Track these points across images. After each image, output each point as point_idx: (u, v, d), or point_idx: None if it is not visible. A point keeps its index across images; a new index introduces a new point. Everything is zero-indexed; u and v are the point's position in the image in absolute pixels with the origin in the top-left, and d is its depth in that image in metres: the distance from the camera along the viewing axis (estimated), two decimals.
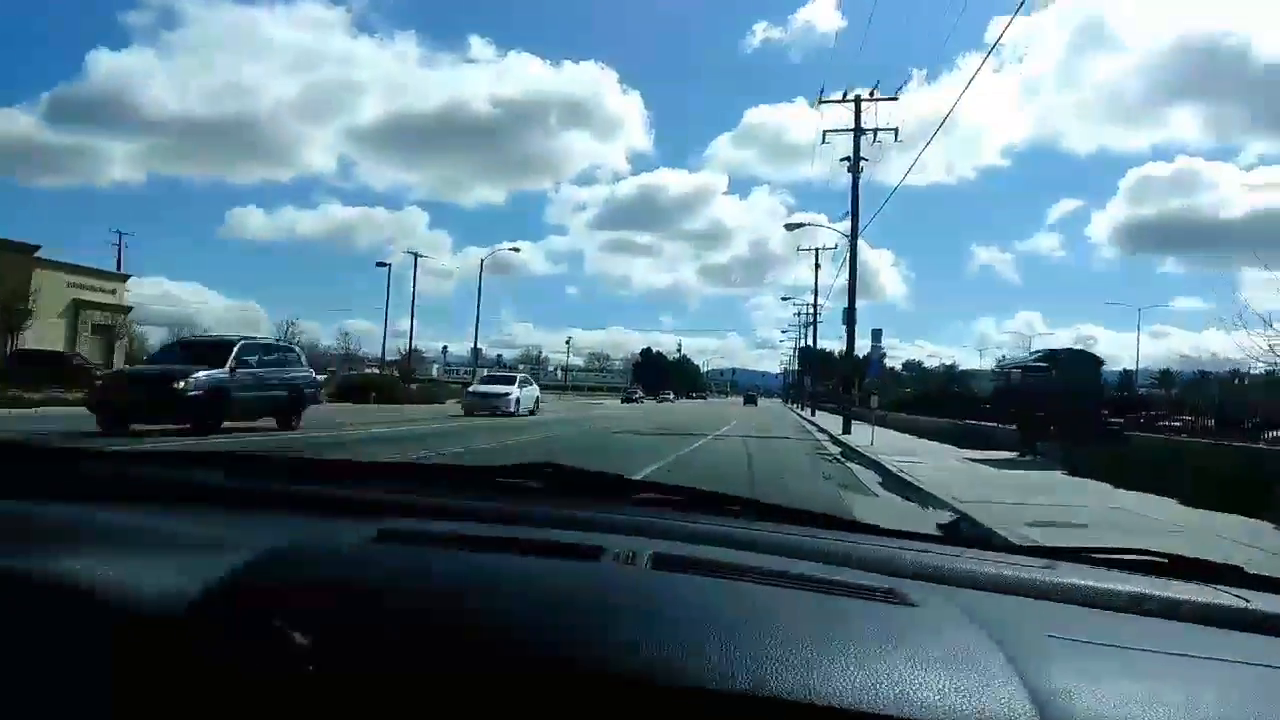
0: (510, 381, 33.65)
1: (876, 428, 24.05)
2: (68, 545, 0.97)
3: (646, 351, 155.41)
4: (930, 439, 24.67)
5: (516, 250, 57.11)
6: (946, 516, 2.94)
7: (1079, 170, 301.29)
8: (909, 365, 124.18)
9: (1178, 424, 17.61)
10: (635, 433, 23.79)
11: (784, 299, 51.79)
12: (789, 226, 39.14)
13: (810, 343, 78.83)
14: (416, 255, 55.21)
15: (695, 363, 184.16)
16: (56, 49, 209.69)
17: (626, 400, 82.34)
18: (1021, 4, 14.48)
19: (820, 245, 51.48)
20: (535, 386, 35.60)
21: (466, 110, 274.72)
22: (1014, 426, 18.07)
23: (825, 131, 29.74)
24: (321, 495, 1.39)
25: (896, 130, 29.05)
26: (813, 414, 54.64)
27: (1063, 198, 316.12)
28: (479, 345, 54.34)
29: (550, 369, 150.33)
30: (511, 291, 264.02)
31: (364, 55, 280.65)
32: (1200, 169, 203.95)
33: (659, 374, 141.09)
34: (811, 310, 63.98)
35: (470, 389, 34.17)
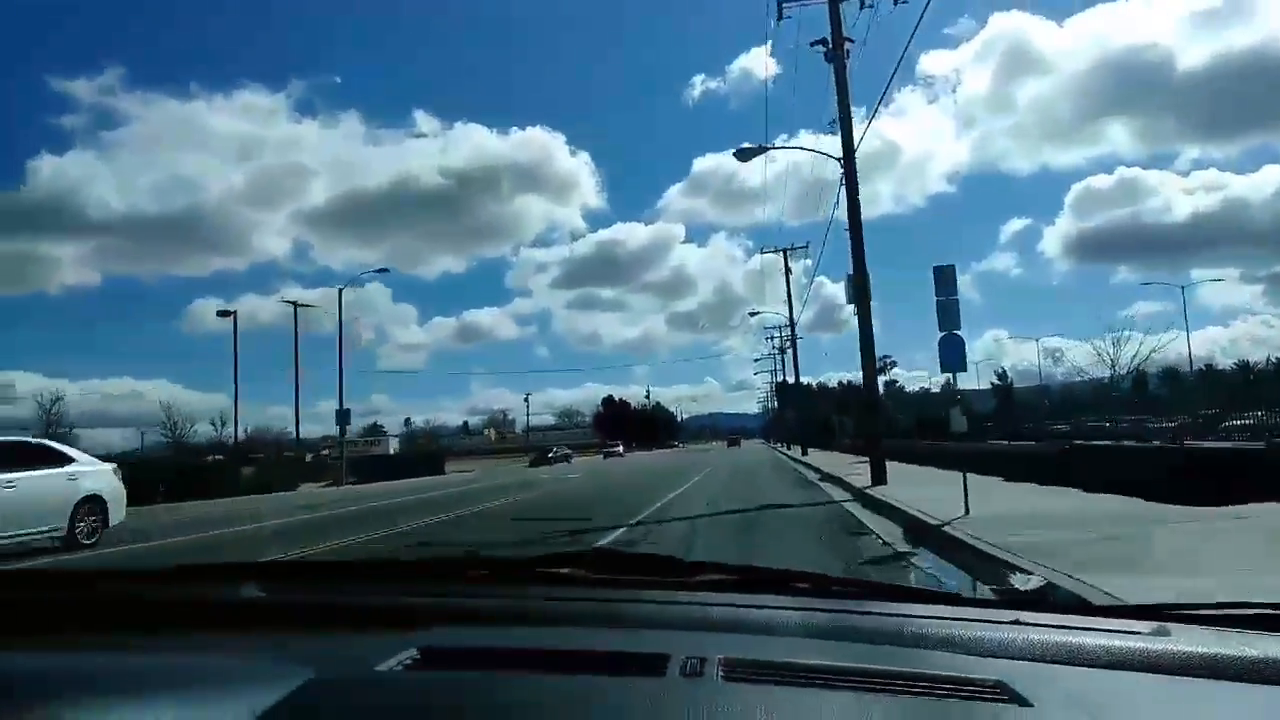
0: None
1: (936, 475, 14.29)
2: (84, 694, 0.87)
3: (609, 400, 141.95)
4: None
5: (385, 271, 48.06)
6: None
7: (1023, 190, 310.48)
8: (891, 391, 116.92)
9: None
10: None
11: (751, 314, 47.42)
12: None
13: (786, 376, 74.97)
14: (295, 304, 44.45)
15: (670, 410, 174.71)
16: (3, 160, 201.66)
17: (540, 463, 62.05)
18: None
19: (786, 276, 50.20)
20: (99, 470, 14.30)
21: (418, 183, 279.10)
22: None
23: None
24: (352, 605, 1.30)
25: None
26: (803, 453, 45.51)
27: (1012, 217, 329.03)
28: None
29: (518, 430, 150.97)
30: (479, 356, 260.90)
31: (308, 138, 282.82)
32: (1139, 178, 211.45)
33: (625, 424, 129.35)
34: (787, 338, 60.93)
35: None
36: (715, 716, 0.82)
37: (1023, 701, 0.86)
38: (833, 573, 4.65)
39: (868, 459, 16.93)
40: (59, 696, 0.86)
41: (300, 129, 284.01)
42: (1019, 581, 1.59)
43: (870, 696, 0.87)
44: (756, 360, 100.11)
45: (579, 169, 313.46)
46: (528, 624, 1.20)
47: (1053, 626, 1.14)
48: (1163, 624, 1.15)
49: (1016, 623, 1.16)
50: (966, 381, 13.42)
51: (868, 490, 15.48)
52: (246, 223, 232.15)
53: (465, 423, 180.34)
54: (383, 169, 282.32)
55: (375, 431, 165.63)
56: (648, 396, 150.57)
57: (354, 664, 1.01)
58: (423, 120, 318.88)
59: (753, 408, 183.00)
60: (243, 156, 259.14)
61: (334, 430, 41.98)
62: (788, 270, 42.91)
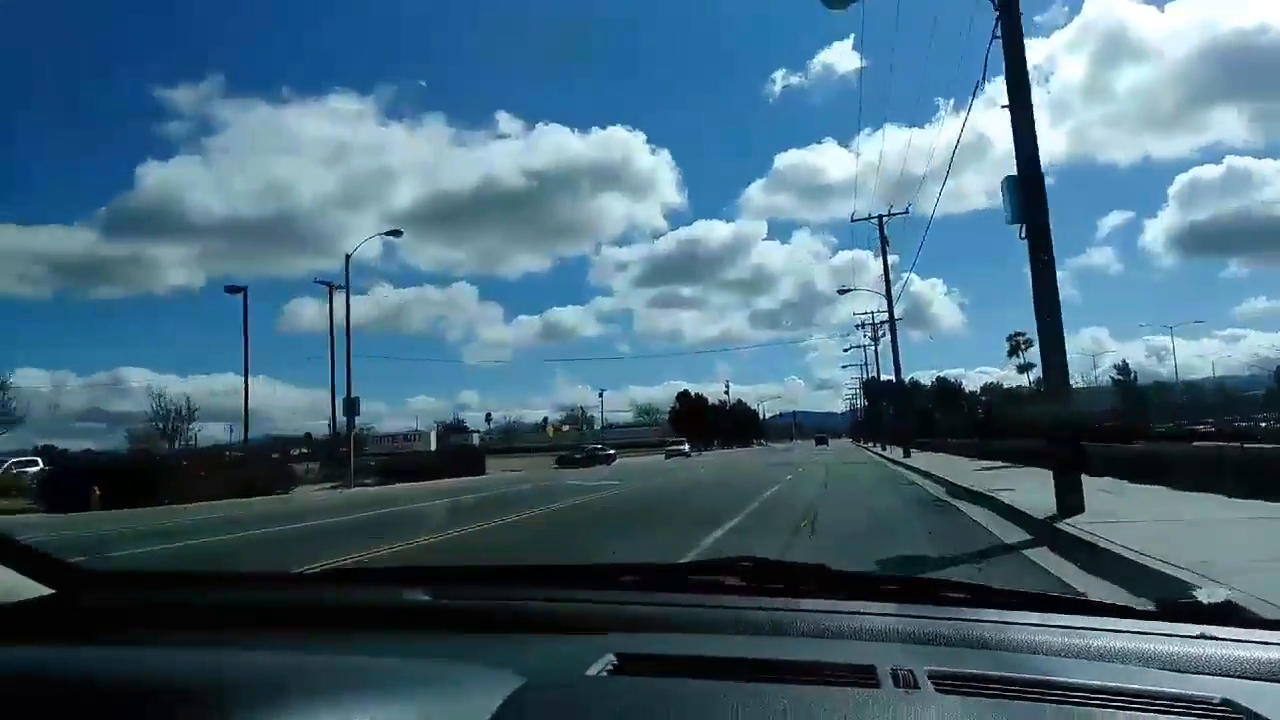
0: None
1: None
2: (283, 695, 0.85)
3: (684, 395, 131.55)
4: None
5: (398, 234, 39.38)
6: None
7: (1124, 182, 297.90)
8: (988, 389, 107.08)
9: None
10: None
11: (841, 291, 40.70)
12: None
13: (875, 373, 69.57)
14: (331, 286, 39.04)
15: (751, 407, 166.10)
16: (106, 164, 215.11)
17: (568, 464, 53.13)
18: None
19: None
20: None
21: (501, 184, 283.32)
22: None
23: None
24: (536, 611, 1.31)
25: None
26: (905, 454, 38.68)
27: (1111, 210, 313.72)
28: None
29: (596, 427, 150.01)
30: (562, 354, 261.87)
31: (396, 140, 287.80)
32: (1250, 167, 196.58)
33: (702, 421, 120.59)
34: (881, 323, 53.79)
35: None
36: None
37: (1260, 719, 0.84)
38: None
39: (995, 463, 10.99)
40: (278, 693, 0.85)
41: (388, 132, 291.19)
42: (1203, 595, 1.42)
43: (1101, 712, 0.84)
44: (846, 350, 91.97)
45: (659, 167, 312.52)
46: (707, 630, 1.21)
47: (1249, 641, 1.10)
48: None
49: (1204, 637, 1.12)
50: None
51: (1066, 526, 8.55)
52: (337, 224, 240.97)
53: (545, 419, 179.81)
54: (467, 170, 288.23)
55: (458, 426, 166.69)
56: (727, 392, 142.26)
57: (561, 668, 1.02)
58: (505, 122, 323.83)
59: (838, 406, 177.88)
60: (333, 160, 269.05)
61: (421, 427, 36.53)
62: (884, 241, 35.54)
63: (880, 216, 35.98)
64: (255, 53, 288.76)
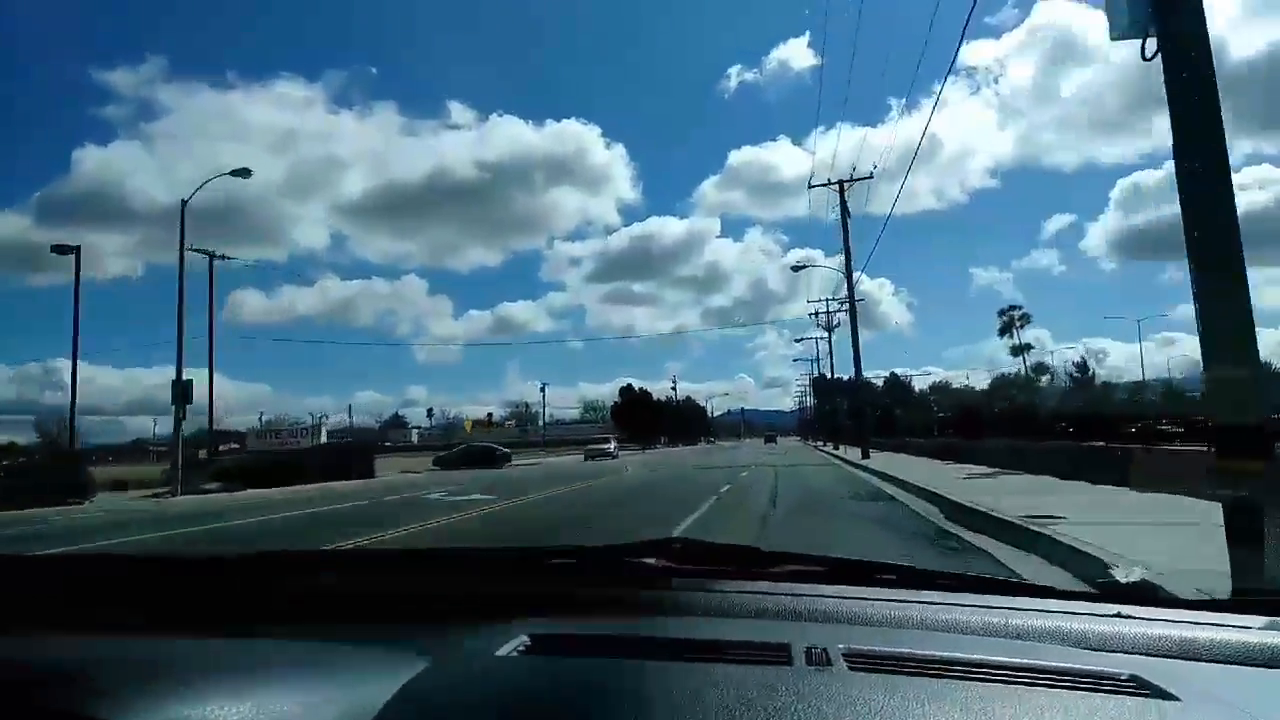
0: None
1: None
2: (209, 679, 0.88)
3: (627, 390, 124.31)
4: None
5: (246, 174, 29.88)
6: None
7: (1067, 185, 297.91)
8: (937, 388, 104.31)
9: None
10: None
11: (795, 268, 40.59)
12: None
13: (824, 371, 69.48)
14: (212, 255, 32.55)
15: (699, 404, 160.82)
16: (42, 148, 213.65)
17: (452, 464, 44.39)
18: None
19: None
20: None
21: (453, 175, 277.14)
22: None
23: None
24: (451, 595, 1.31)
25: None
26: (864, 455, 34.04)
27: (1055, 213, 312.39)
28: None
29: (540, 423, 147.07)
30: (513, 349, 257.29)
31: (346, 129, 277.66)
32: None
33: (647, 417, 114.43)
34: (836, 310, 51.80)
35: None
36: (850, 705, 0.81)
37: (1166, 695, 0.85)
38: None
39: (982, 468, 14.00)
40: (170, 681, 0.85)
41: (337, 120, 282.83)
42: (1119, 574, 1.47)
43: (1009, 689, 0.85)
44: (799, 341, 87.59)
45: (613, 161, 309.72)
46: (625, 612, 1.21)
47: (1161, 620, 1.13)
48: (1275, 618, 1.13)
49: (1119, 615, 1.15)
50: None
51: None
52: (284, 214, 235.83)
53: (489, 414, 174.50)
54: (419, 161, 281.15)
55: (397, 422, 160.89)
56: (674, 388, 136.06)
57: (469, 651, 1.02)
58: (458, 112, 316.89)
59: (786, 404, 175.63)
60: (281, 148, 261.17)
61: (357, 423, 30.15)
62: (845, 210, 30.53)
63: (842, 182, 30.96)
64: (199, 36, 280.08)
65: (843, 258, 33.61)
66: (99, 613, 1.30)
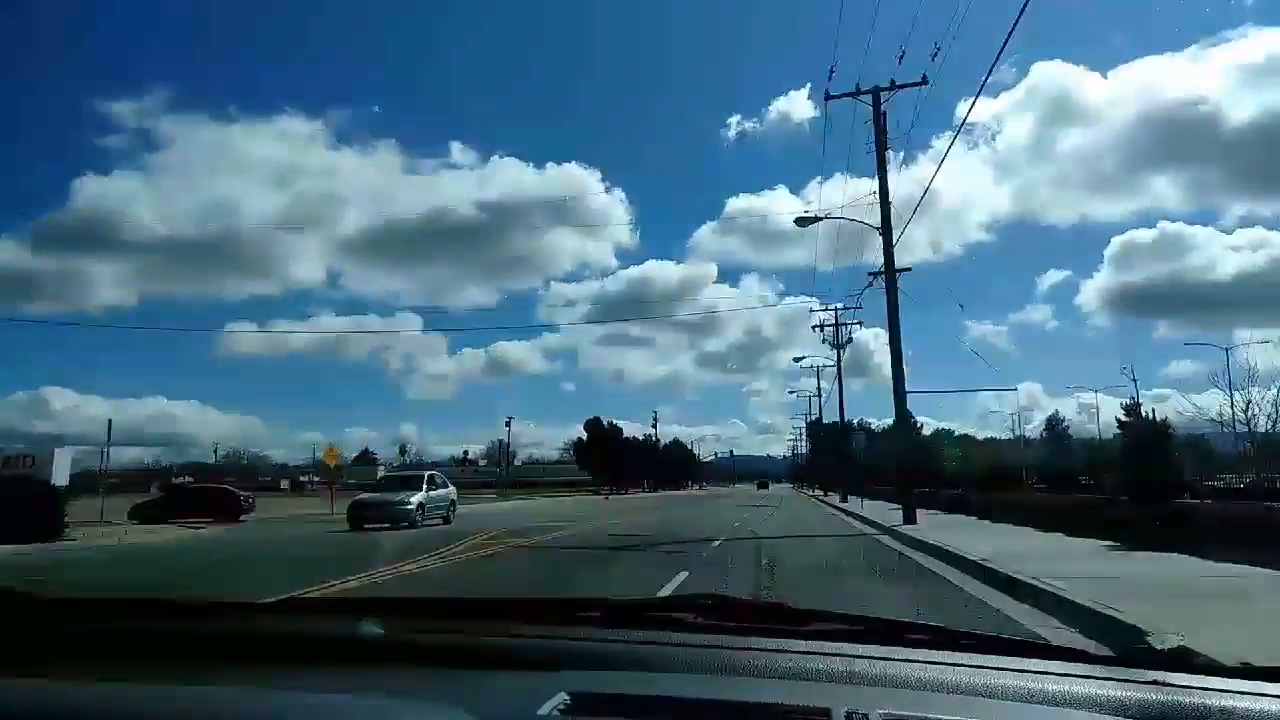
0: None
1: None
2: None
3: (595, 425, 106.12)
4: None
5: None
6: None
7: (1063, 241, 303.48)
8: (944, 435, 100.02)
9: None
10: None
11: (799, 221, 24.76)
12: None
13: (822, 417, 64.20)
14: None
15: (685, 445, 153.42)
16: (41, 176, 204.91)
17: (142, 514, 28.90)
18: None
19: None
20: None
21: (451, 215, 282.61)
22: None
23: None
24: (486, 646, 1.30)
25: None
26: (907, 518, 28.28)
27: (1050, 269, 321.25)
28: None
29: (518, 463, 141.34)
30: (508, 389, 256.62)
31: (346, 166, 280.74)
32: (1182, 233, 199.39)
33: (617, 456, 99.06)
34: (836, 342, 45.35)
35: None
36: None
37: None
38: None
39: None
40: None
41: (338, 156, 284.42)
42: (1156, 641, 1.42)
43: None
44: (798, 361, 79.62)
45: (612, 205, 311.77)
46: (661, 668, 1.20)
47: (1198, 689, 1.12)
48: None
49: (1156, 684, 1.13)
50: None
51: None
52: (281, 249, 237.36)
53: (465, 452, 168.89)
54: (417, 199, 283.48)
55: (367, 458, 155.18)
56: (654, 425, 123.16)
57: (509, 710, 1.03)
58: (458, 152, 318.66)
59: (777, 451, 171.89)
60: (280, 182, 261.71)
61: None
62: (881, 124, 22.31)
63: (877, 89, 22.37)
64: (201, 69, 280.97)
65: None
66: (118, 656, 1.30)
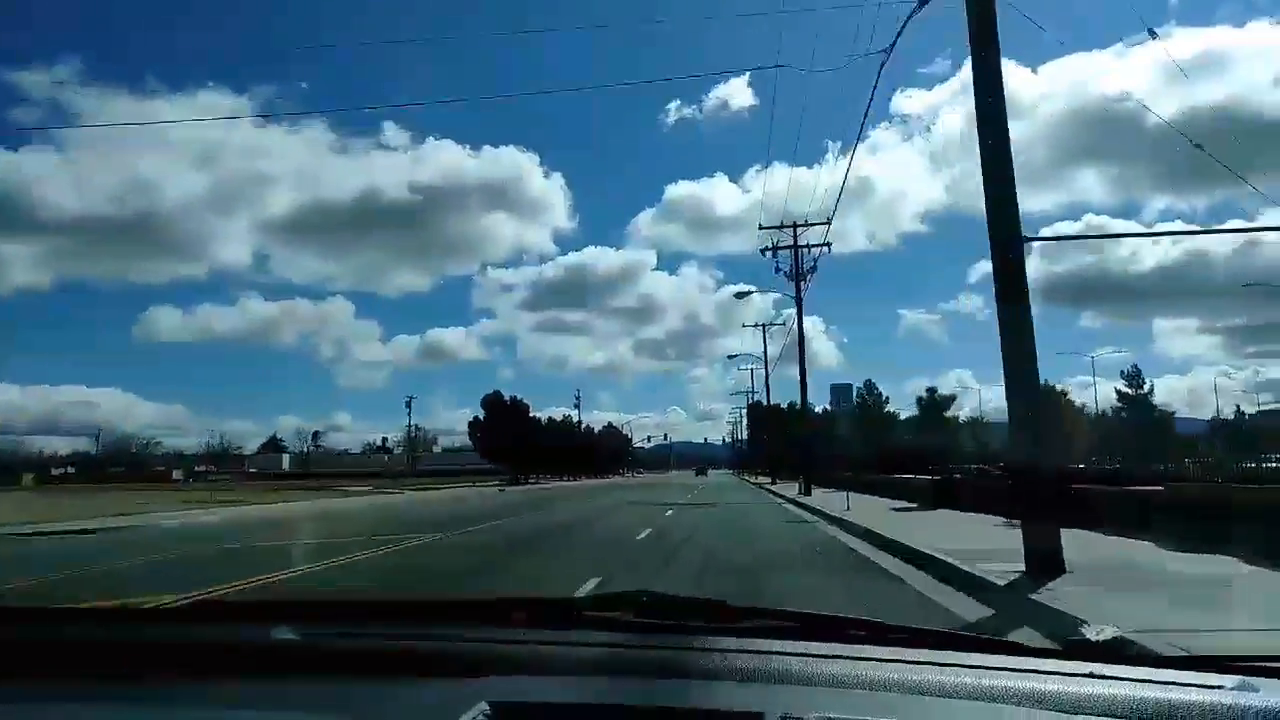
0: None
1: None
2: None
3: (495, 402, 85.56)
4: None
5: None
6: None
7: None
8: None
9: None
10: None
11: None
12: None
13: (760, 399, 61.08)
14: None
15: (622, 433, 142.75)
16: None
17: None
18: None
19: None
20: None
21: (384, 196, 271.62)
22: None
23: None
24: (404, 651, 1.24)
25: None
26: (805, 491, 25.32)
27: (981, 259, 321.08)
28: None
29: (438, 449, 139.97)
30: (441, 377, 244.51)
31: (272, 144, 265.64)
32: (1106, 225, 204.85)
33: (524, 438, 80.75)
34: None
35: None
36: None
37: None
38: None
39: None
40: None
41: (264, 134, 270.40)
42: (1090, 632, 1.44)
43: None
44: (733, 359, 73.29)
45: (551, 190, 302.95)
46: (590, 671, 1.19)
47: (1133, 680, 1.14)
48: (1246, 678, 1.15)
49: (1092, 675, 1.15)
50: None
51: None
52: (204, 230, 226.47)
53: (384, 439, 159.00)
54: (348, 180, 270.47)
55: (276, 445, 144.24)
56: (577, 406, 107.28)
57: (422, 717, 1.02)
58: (392, 133, 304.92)
59: (716, 438, 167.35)
60: (203, 160, 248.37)
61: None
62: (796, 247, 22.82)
63: (795, 225, 20.74)
64: (117, 39, 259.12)
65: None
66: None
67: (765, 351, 50.81)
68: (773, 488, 44.12)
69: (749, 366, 70.85)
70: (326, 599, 1.57)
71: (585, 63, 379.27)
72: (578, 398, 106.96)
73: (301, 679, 1.16)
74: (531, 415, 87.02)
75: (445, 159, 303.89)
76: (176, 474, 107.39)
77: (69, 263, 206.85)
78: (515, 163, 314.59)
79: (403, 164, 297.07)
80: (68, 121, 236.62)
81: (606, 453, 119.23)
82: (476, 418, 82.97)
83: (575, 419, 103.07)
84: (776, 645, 1.24)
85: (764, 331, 49.59)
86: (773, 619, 1.39)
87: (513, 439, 76.58)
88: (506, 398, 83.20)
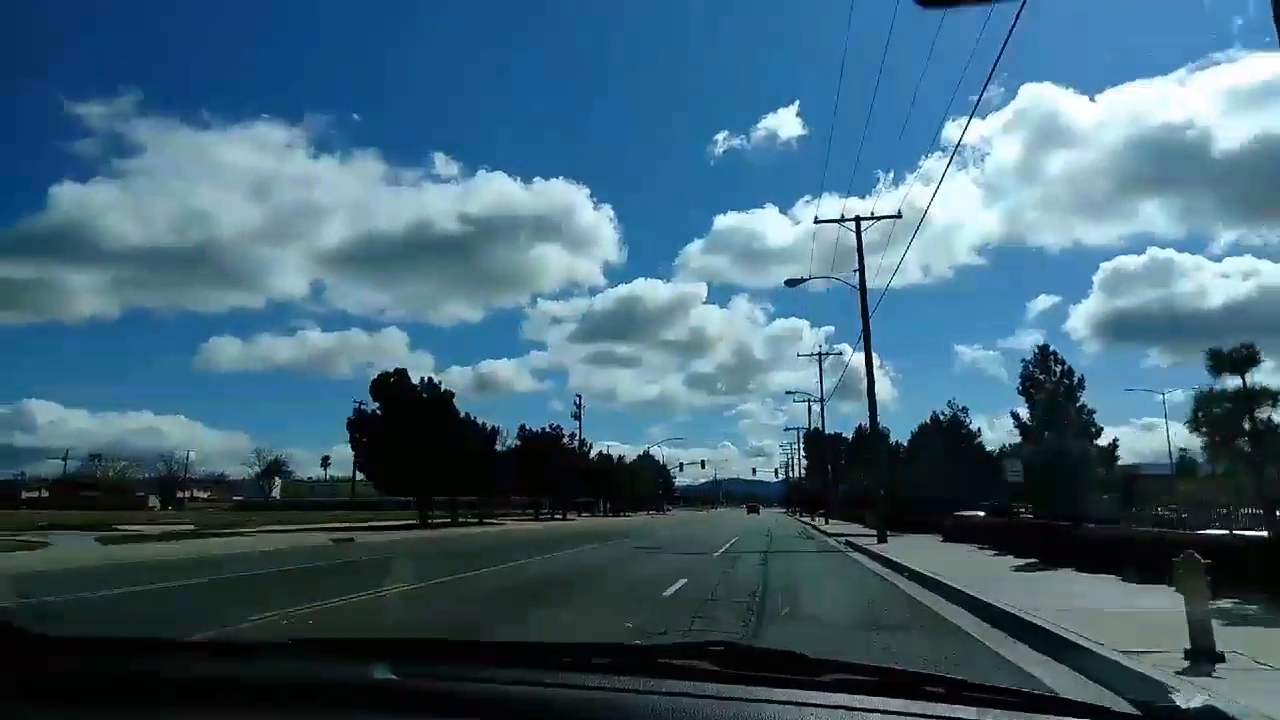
0: None
1: None
2: None
3: (391, 382, 50.15)
4: None
5: None
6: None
7: (1053, 266, 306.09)
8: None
9: None
10: None
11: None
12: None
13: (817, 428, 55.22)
14: None
15: (664, 465, 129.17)
16: (17, 182, 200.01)
17: None
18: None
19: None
20: None
21: (436, 228, 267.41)
22: None
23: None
24: (488, 695, 1.27)
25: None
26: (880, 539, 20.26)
27: (1040, 293, 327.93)
28: None
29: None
30: (496, 407, 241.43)
31: (326, 175, 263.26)
32: (1172, 259, 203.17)
33: (549, 473, 61.95)
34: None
35: None
36: None
37: None
38: None
39: None
40: None
41: (317, 165, 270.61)
42: (1180, 699, 1.38)
43: None
44: (789, 394, 65.67)
45: (600, 222, 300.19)
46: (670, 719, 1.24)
47: None
48: None
49: None
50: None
51: None
52: (262, 261, 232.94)
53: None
54: (401, 211, 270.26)
55: (279, 470, 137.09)
56: (577, 415, 76.84)
57: None
58: (442, 163, 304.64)
59: (767, 475, 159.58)
60: (259, 192, 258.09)
61: None
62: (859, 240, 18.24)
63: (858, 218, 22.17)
64: (175, 72, 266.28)
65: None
66: None
67: (820, 375, 42.62)
68: (825, 528, 37.60)
69: (804, 398, 66.79)
70: (419, 639, 1.33)
71: (631, 92, 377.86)
72: (577, 403, 78.40)
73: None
74: (562, 445, 70.38)
75: (495, 190, 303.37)
76: (153, 501, 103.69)
77: (133, 292, 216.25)
78: (565, 194, 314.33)
79: (454, 195, 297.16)
80: (127, 155, 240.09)
81: (633, 484, 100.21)
82: (359, 405, 49.65)
83: (577, 437, 75.08)
84: (855, 700, 1.24)
85: (819, 360, 41.74)
86: (851, 673, 1.39)
87: (537, 470, 60.13)
88: (418, 380, 50.79)
